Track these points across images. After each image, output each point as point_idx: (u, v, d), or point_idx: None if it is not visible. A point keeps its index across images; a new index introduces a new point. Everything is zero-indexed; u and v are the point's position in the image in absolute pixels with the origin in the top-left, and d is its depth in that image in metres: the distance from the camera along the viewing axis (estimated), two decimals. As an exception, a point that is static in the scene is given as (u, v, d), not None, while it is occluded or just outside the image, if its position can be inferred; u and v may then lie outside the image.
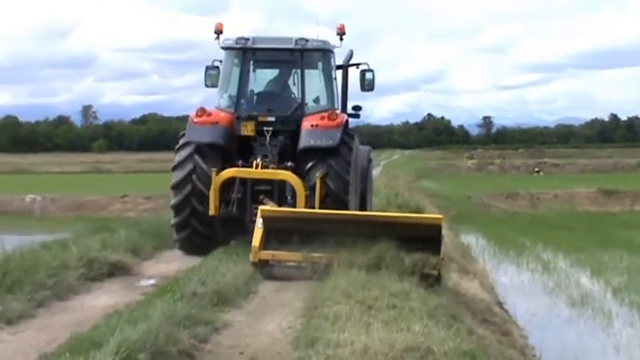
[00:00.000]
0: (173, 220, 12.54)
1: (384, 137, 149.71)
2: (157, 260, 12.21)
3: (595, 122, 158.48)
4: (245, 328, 7.71)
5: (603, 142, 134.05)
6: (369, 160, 14.87)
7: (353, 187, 12.50)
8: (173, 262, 11.85)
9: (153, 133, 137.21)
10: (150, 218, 16.33)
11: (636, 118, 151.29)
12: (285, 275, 10.41)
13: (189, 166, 12.34)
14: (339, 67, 13.99)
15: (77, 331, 6.88)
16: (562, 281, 16.32)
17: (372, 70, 14.04)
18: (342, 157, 12.23)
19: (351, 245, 9.84)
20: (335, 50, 13.57)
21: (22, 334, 7.25)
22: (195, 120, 12.58)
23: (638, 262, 18.23)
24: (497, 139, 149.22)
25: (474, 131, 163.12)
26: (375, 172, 44.66)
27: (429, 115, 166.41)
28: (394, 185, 30.92)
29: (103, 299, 8.95)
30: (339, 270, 9.51)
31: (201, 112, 12.66)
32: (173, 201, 12.48)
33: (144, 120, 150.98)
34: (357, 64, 14.17)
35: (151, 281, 10.26)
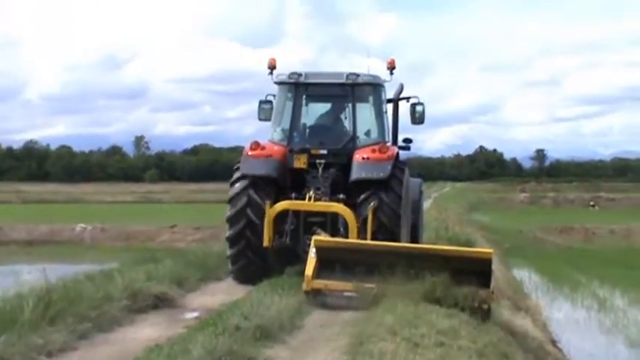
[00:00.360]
0: (228, 252, 12.95)
1: (435, 169, 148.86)
2: (201, 292, 12.09)
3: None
4: (288, 364, 7.54)
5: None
6: (421, 193, 15.18)
7: (404, 220, 12.78)
8: (218, 295, 11.73)
9: (204, 164, 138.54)
10: (196, 249, 16.30)
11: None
12: (336, 304, 10.57)
13: (243, 200, 12.76)
14: (389, 101, 14.41)
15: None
16: (620, 320, 15.86)
17: (422, 104, 14.42)
18: (393, 190, 12.54)
19: (402, 277, 9.97)
20: (385, 84, 13.97)
21: (62, 366, 7.19)
22: (249, 153, 13.07)
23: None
24: (550, 172, 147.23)
25: (527, 164, 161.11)
26: (426, 204, 44.33)
27: (481, 147, 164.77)
28: (444, 218, 30.51)
29: (145, 332, 8.86)
30: (387, 303, 9.40)
31: (255, 145, 13.11)
32: (228, 233, 12.92)
33: (195, 150, 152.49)
34: (408, 98, 14.58)
35: (195, 314, 10.13)
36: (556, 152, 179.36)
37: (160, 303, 10.49)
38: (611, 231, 35.69)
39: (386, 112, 14.04)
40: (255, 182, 12.83)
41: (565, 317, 16.39)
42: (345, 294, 10.64)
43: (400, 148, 14.25)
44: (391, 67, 13.81)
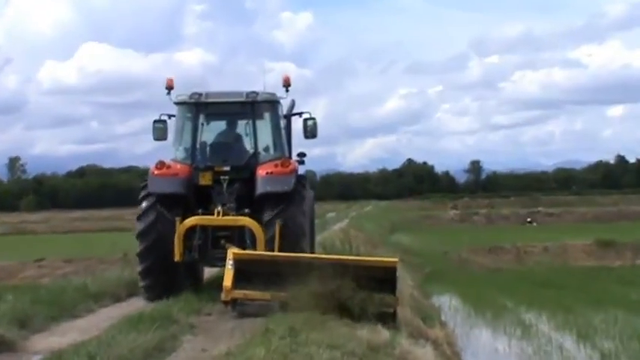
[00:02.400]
0: (139, 268, 14.80)
1: (358, 187, 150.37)
2: (50, 333, 11.79)
3: (599, 165, 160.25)
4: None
5: (609, 187, 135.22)
6: (313, 205, 16.99)
7: (307, 231, 15.10)
8: (70, 334, 11.47)
9: (92, 188, 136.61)
10: (52, 284, 15.92)
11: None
12: (254, 312, 12.45)
13: (152, 215, 14.66)
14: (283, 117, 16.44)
15: None
16: (542, 347, 16.11)
17: (313, 118, 16.43)
18: (298, 206, 14.74)
19: (314, 285, 11.66)
20: (281, 101, 16.07)
21: None
22: (155, 172, 14.93)
23: (633, 323, 18.08)
24: (487, 186, 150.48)
25: (461, 177, 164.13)
26: (339, 226, 44.68)
27: (409, 160, 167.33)
28: (355, 240, 30.63)
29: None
30: (259, 336, 9.82)
31: (161, 164, 15.01)
32: (138, 249, 14.72)
33: (81, 172, 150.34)
34: (300, 113, 16.62)
35: (35, 358, 9.88)
36: (493, 164, 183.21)
37: (-5, 347, 10.16)
38: (545, 249, 36.61)
39: (284, 127, 16.22)
40: (163, 200, 14.69)
41: (482, 346, 16.58)
42: (260, 303, 12.55)
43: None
44: (286, 85, 15.85)
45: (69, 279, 17.03)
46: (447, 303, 22.53)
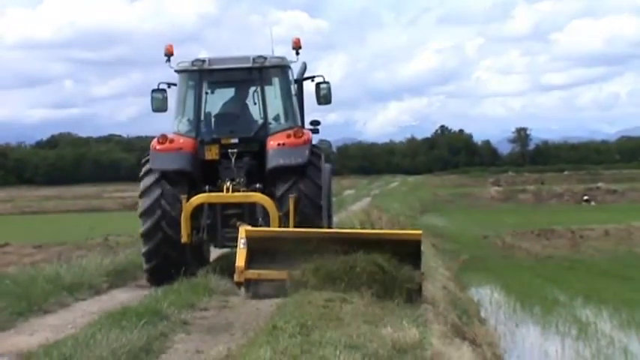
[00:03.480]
0: (143, 249, 16.14)
1: (381, 159, 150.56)
2: (16, 331, 11.94)
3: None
4: None
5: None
6: (330, 179, 18.39)
7: (324, 207, 16.52)
8: (40, 333, 11.67)
9: (66, 161, 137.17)
10: (19, 273, 16.00)
11: None
12: (269, 293, 13.69)
13: (157, 192, 16.03)
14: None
15: None
16: (603, 349, 16.10)
17: (327, 83, 17.80)
18: (312, 180, 16.14)
19: (332, 262, 13.15)
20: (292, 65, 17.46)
21: None
22: (157, 147, 16.18)
23: None
24: (536, 158, 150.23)
25: (505, 148, 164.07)
26: (359, 205, 44.73)
27: (443, 127, 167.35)
28: (378, 223, 30.72)
29: None
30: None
31: (163, 138, 16.24)
32: (142, 228, 16.03)
33: (53, 143, 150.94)
34: (312, 77, 18.15)
35: (-1, 361, 9.99)
36: (544, 132, 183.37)
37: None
38: (605, 233, 36.40)
39: (295, 94, 17.51)
40: (168, 177, 16.08)
41: (530, 348, 16.59)
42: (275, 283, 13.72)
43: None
44: (297, 47, 17.13)
45: (39, 267, 17.06)
46: (488, 296, 22.49)
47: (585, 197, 66.53)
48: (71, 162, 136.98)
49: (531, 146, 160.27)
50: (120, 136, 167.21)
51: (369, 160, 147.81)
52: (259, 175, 16.40)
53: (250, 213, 16.03)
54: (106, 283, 15.88)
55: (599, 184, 74.92)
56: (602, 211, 51.27)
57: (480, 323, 17.68)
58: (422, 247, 14.15)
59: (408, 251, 13.55)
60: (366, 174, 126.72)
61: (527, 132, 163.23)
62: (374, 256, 13.23)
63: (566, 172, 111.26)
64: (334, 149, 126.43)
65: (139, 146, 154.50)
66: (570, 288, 23.62)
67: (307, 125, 18.05)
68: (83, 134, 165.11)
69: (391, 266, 13.18)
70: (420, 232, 15.04)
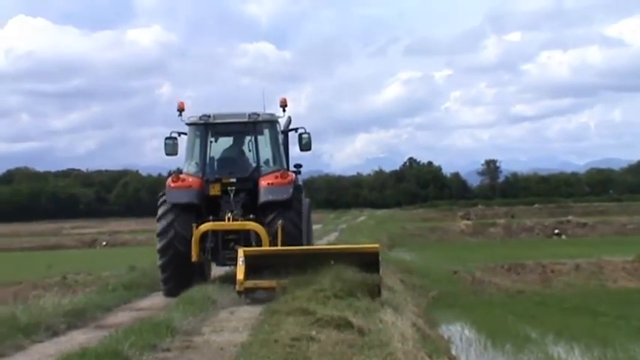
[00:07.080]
0: (159, 262, 20.76)
1: (348, 192, 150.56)
2: (-31, 376, 11.75)
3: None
4: None
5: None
6: (310, 209, 22.67)
7: (304, 232, 20.87)
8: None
9: (21, 197, 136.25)
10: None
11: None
12: (262, 298, 17.68)
13: (170, 217, 20.59)
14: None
15: None
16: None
17: (308, 133, 22.71)
18: (295, 209, 20.75)
19: (310, 273, 17.01)
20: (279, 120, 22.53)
21: None
22: (172, 185, 20.88)
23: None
24: (505, 190, 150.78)
25: (475, 180, 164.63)
26: (326, 240, 44.64)
27: (411, 159, 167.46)
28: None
29: None
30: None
31: (176, 178, 21.06)
32: (158, 245, 20.67)
33: (9, 177, 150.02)
34: (296, 129, 22.99)
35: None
36: (513, 164, 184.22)
37: None
38: (576, 267, 36.61)
39: (282, 142, 22.44)
40: (180, 208, 20.59)
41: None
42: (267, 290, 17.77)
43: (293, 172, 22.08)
44: (283, 105, 22.29)
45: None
46: (459, 333, 22.58)
47: (556, 231, 66.84)
48: (27, 197, 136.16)
49: (501, 178, 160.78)
50: (79, 170, 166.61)
51: (336, 194, 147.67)
52: (253, 207, 20.91)
53: (245, 238, 20.42)
54: (64, 324, 15.60)
55: (570, 218, 75.24)
56: (573, 245, 51.45)
57: (449, 362, 17.69)
58: (381, 266, 18.54)
59: (369, 260, 17.87)
60: (333, 207, 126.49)
61: (497, 164, 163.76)
62: (340, 265, 17.18)
63: (536, 205, 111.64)
64: (300, 182, 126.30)
65: (98, 180, 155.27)
66: (542, 324, 23.72)
67: (292, 168, 22.72)
68: (40, 168, 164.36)
69: (354, 271, 16.99)
70: (377, 245, 19.90)
